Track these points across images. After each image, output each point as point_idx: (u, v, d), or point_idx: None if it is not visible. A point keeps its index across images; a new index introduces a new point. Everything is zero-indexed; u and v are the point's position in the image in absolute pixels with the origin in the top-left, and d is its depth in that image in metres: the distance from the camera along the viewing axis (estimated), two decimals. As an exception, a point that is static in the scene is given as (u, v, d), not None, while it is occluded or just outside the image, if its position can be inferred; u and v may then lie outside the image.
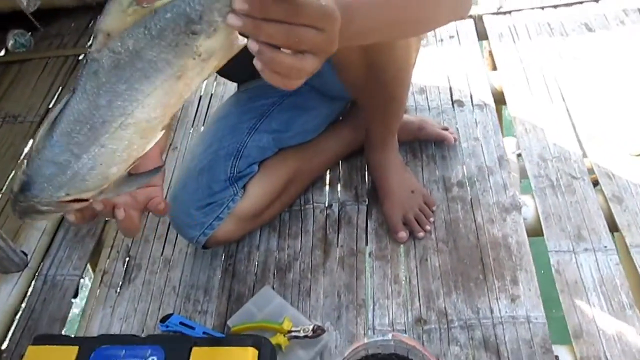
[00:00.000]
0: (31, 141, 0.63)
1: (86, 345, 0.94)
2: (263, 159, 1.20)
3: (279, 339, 1.01)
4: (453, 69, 1.59)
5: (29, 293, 1.31)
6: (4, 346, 1.21)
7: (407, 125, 1.33)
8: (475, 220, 1.21)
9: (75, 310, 1.30)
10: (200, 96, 1.76)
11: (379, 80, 1.04)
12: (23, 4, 2.14)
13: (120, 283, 1.27)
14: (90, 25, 2.25)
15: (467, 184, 1.29)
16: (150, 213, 0.78)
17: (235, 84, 1.41)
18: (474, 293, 1.09)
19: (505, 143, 1.39)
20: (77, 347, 0.94)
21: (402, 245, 1.20)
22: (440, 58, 1.64)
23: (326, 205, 1.33)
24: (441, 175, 1.32)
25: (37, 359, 0.95)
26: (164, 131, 0.59)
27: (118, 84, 0.52)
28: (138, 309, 1.21)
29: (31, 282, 1.33)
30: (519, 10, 1.79)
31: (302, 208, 1.33)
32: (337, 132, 1.34)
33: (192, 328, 1.06)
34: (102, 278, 1.29)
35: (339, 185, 1.37)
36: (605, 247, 1.13)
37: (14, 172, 1.68)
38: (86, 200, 0.64)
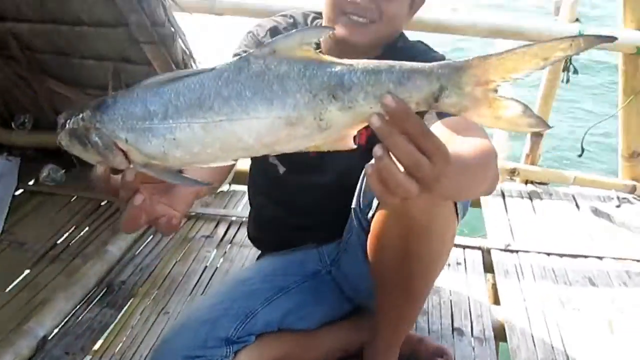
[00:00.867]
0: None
1: None
2: (262, 333, 1.18)
3: None
4: (457, 295, 1.62)
5: None
6: None
7: (408, 336, 1.31)
8: None
9: None
10: (206, 267, 1.78)
11: (410, 270, 1.04)
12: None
13: None
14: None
15: None
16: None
17: (238, 264, 1.45)
18: None
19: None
20: None
21: None
22: (446, 283, 1.67)
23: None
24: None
25: None
26: (233, 163, 0.65)
27: (247, 90, 0.57)
28: None
29: None
30: (527, 252, 1.86)
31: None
32: (337, 328, 1.33)
33: None
34: None
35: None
36: None
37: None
38: (129, 162, 0.64)
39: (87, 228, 2.06)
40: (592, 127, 2.25)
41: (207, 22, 2.18)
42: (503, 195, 2.25)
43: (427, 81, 0.57)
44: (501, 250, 1.86)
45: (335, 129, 0.58)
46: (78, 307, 1.64)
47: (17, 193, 2.24)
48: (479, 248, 1.85)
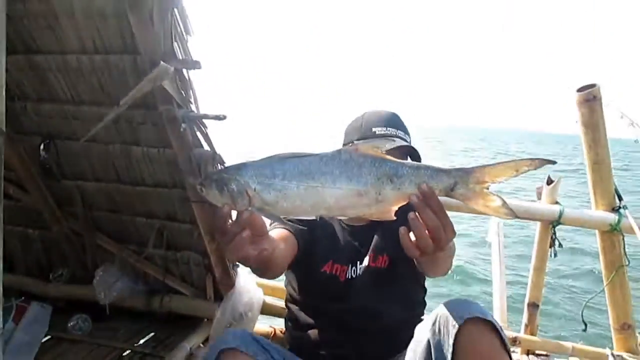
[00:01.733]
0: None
1: None
2: None
3: None
4: None
5: None
6: None
7: None
8: None
9: None
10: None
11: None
12: (100, 295, 2.48)
13: None
14: (145, 328, 2.50)
15: None
16: None
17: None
18: None
19: None
20: None
21: None
22: None
23: None
24: None
25: None
26: (314, 217, 0.94)
27: (336, 169, 0.91)
28: None
29: None
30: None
31: None
32: None
33: None
34: None
35: None
36: None
37: None
38: (249, 206, 0.92)
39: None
40: (583, 301, 2.46)
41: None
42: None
43: (447, 178, 0.95)
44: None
45: (387, 202, 0.93)
46: None
47: (45, 339, 2.36)
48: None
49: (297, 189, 0.91)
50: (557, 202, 2.32)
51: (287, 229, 1.49)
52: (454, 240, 1.08)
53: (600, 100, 2.18)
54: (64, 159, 2.24)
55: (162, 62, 1.64)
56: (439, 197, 0.95)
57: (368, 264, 1.57)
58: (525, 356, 2.50)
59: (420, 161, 1.49)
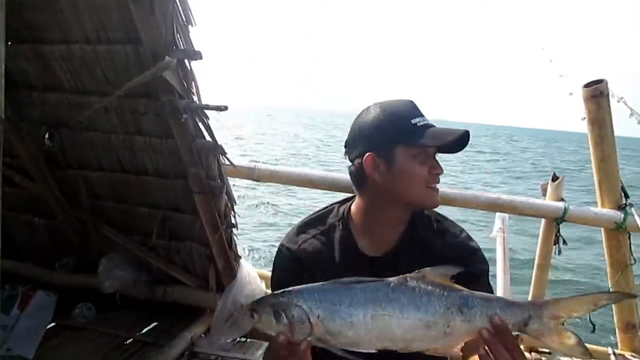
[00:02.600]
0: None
1: None
2: None
3: None
4: None
5: None
6: None
7: None
8: None
9: None
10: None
11: None
12: (104, 284, 2.50)
13: None
14: (147, 318, 2.53)
15: None
16: None
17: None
18: None
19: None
20: None
21: None
22: None
23: None
24: None
25: None
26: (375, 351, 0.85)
27: (404, 297, 0.84)
28: None
29: None
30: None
31: None
32: None
33: None
34: None
35: None
36: None
37: None
38: (309, 335, 0.83)
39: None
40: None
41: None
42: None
43: (520, 311, 0.87)
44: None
45: (456, 336, 0.86)
46: None
47: (49, 326, 2.39)
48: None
49: (364, 316, 0.83)
50: (562, 199, 2.29)
51: None
52: None
53: (608, 96, 2.14)
54: (69, 148, 2.26)
55: (166, 57, 1.64)
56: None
57: None
58: (527, 354, 2.48)
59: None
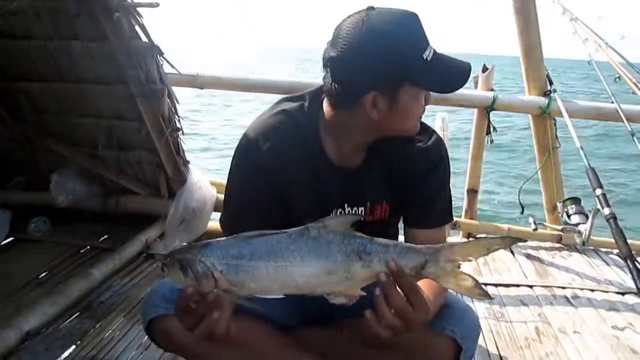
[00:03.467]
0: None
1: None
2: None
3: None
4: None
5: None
6: None
7: None
8: None
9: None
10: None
11: None
12: (58, 199, 2.55)
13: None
14: (103, 228, 2.60)
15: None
16: None
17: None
18: None
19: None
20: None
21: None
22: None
23: None
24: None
25: None
26: (282, 296, 0.90)
27: (305, 247, 0.88)
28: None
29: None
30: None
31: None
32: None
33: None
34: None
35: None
36: None
37: None
38: (214, 287, 0.88)
39: (69, 267, 2.25)
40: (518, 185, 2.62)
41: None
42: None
43: (417, 256, 0.92)
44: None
45: (356, 280, 0.91)
46: (60, 315, 1.82)
47: (6, 241, 2.44)
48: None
49: (265, 268, 0.88)
50: (492, 90, 2.42)
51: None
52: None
53: (532, -13, 2.23)
54: (4, 58, 2.23)
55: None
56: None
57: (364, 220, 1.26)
58: (465, 239, 2.68)
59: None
